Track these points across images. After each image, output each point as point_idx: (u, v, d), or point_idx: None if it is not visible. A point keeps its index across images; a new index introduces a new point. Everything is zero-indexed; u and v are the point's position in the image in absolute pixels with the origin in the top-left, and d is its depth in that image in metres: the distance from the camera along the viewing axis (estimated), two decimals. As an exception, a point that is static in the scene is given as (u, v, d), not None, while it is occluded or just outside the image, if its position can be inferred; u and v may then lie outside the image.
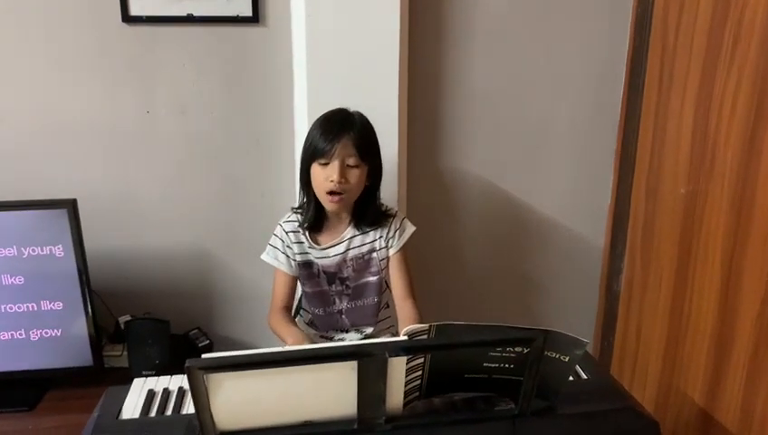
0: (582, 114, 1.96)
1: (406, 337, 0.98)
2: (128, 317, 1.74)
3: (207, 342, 1.81)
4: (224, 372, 0.93)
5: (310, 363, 0.94)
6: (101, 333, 1.74)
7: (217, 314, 1.93)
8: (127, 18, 1.65)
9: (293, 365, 0.94)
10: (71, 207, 1.50)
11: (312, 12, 1.63)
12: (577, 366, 1.24)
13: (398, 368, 0.98)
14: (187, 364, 0.91)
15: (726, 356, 1.53)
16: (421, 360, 1.02)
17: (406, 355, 0.96)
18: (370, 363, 0.95)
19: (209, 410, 0.96)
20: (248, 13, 1.70)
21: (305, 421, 1.03)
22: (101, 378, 1.61)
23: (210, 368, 0.92)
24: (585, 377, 1.23)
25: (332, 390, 0.99)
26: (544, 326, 0.99)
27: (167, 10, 1.66)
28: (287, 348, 1.11)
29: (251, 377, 0.95)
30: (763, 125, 1.39)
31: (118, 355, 1.75)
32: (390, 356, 0.95)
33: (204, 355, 0.92)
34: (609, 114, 1.97)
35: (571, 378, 1.20)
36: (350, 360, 0.94)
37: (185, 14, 1.67)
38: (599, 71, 1.93)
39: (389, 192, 1.72)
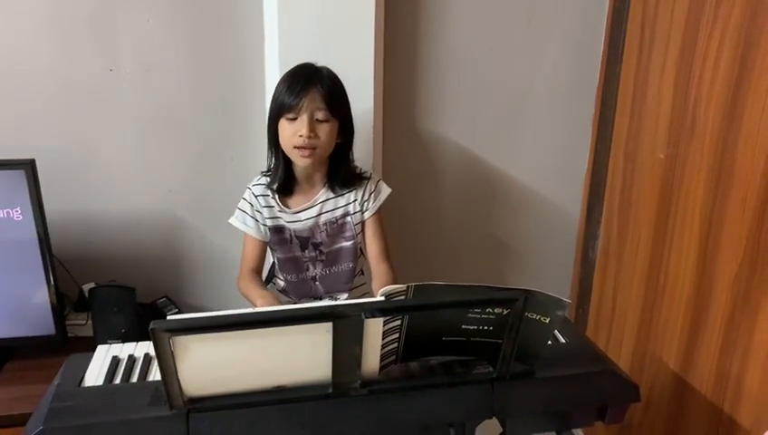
0: (561, 79, 1.92)
1: (383, 298, 0.94)
2: (92, 285, 1.68)
3: (176, 310, 1.76)
4: (191, 334, 0.88)
5: (282, 325, 0.90)
6: (65, 302, 1.68)
7: (186, 282, 1.87)
8: (87, -32, 1.56)
9: (265, 327, 0.89)
10: (29, 167, 1.42)
11: (284, -34, 1.57)
12: (555, 331, 1.22)
13: (374, 330, 0.94)
14: (151, 326, 0.86)
15: (702, 320, 1.53)
16: (398, 322, 0.99)
17: (383, 316, 0.92)
18: (346, 325, 0.91)
19: (176, 375, 0.91)
20: (217, -35, 1.62)
21: (277, 386, 0.99)
22: (64, 347, 1.54)
23: (177, 330, 0.87)
24: (563, 341, 1.21)
25: (306, 353, 0.95)
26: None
27: (129, -40, 1.58)
28: (258, 309, 1.06)
29: (220, 340, 0.90)
30: (745, 89, 1.37)
31: (82, 324, 1.69)
32: (366, 317, 0.91)
33: (169, 316, 0.87)
34: (588, 79, 1.94)
35: (549, 342, 1.18)
36: (325, 321, 0.90)
37: (149, -35, 1.59)
38: (578, 35, 1.89)
39: (365, 154, 1.68)
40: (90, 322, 1.66)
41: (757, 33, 1.33)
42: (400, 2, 1.75)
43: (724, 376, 1.47)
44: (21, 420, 1.41)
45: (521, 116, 1.94)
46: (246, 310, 0.94)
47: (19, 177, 1.42)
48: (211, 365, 0.93)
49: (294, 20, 1.61)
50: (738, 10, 1.38)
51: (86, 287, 1.71)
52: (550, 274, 2.12)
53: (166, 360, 0.89)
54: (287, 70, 1.44)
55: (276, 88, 1.41)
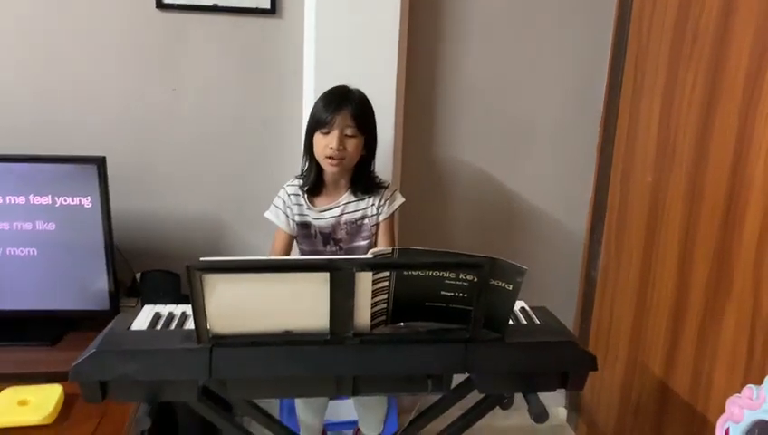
0: (568, 111, 2.14)
1: (372, 256, 1.15)
2: (143, 272, 1.95)
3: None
4: (218, 273, 1.11)
5: (290, 271, 1.12)
6: (119, 285, 1.93)
7: (224, 277, 2.11)
8: (160, 5, 1.88)
9: (277, 272, 1.12)
10: (101, 162, 1.70)
11: (322, 8, 1.85)
12: (532, 314, 1.39)
13: (364, 283, 1.14)
14: (186, 264, 1.09)
15: (680, 328, 1.67)
16: (386, 283, 1.19)
17: (371, 270, 1.13)
18: (340, 277, 1.12)
19: (204, 311, 1.14)
20: (267, 5, 1.92)
21: (286, 331, 1.20)
22: (117, 323, 1.79)
23: (206, 269, 1.10)
24: (538, 322, 1.38)
25: (309, 302, 1.16)
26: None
27: (195, -1, 1.90)
28: (272, 258, 1.27)
29: (241, 281, 1.12)
30: (713, 116, 1.56)
31: (132, 306, 1.93)
32: (357, 271, 1.12)
33: (201, 258, 1.10)
34: (593, 111, 2.15)
35: (525, 322, 1.36)
36: (323, 271, 1.11)
37: (211, 4, 1.90)
38: (583, 70, 2.12)
39: (385, 176, 1.89)
40: (139, 305, 1.91)
41: (722, 68, 1.52)
42: (421, 40, 2.01)
43: (698, 378, 1.60)
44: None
45: (530, 144, 2.15)
46: (263, 257, 1.16)
47: (91, 170, 1.70)
48: (233, 305, 1.15)
49: (329, 56, 1.88)
50: (709, 44, 1.57)
51: (138, 275, 1.98)
52: (557, 291, 2.27)
53: (197, 296, 1.12)
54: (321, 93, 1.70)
55: (314, 105, 1.66)
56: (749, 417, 1.21)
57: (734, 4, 1.48)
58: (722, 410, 1.51)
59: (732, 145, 1.47)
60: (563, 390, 1.30)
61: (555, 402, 2.41)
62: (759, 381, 1.18)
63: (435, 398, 1.44)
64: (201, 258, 1.10)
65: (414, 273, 1.18)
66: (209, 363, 1.17)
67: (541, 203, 2.20)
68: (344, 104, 1.61)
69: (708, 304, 1.56)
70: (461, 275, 1.18)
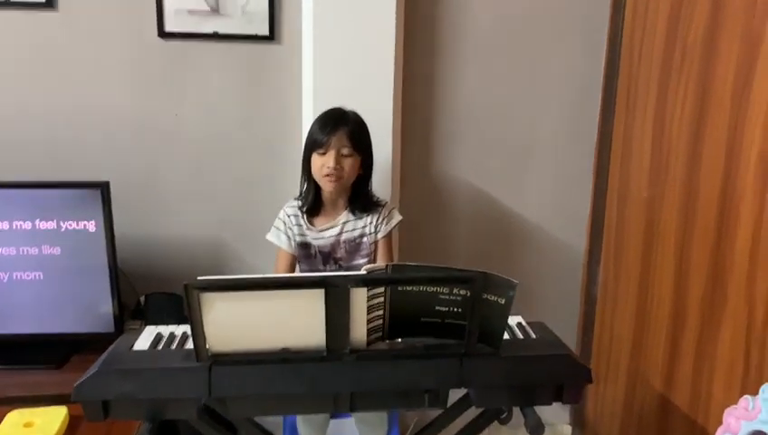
0: (563, 129, 2.17)
1: (365, 272, 1.18)
2: (147, 295, 1.97)
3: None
4: (216, 292, 1.13)
5: (285, 288, 1.14)
6: (124, 308, 1.96)
7: (227, 299, 2.14)
8: (162, 34, 1.94)
9: (274, 289, 1.14)
10: (104, 187, 1.74)
11: (319, 33, 1.90)
12: (529, 329, 1.41)
13: (359, 299, 1.16)
14: (184, 283, 1.12)
15: (679, 341, 1.68)
16: (381, 299, 1.21)
17: (365, 286, 1.15)
18: (335, 293, 1.14)
19: (202, 329, 1.16)
20: (265, 32, 1.97)
21: (283, 348, 1.22)
22: (121, 345, 1.82)
23: (203, 288, 1.12)
24: (534, 336, 1.39)
25: (305, 319, 1.18)
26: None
27: (196, 28, 1.94)
28: (268, 275, 1.30)
29: (238, 300, 1.15)
30: (703, 129, 1.58)
31: (136, 328, 1.96)
32: (351, 287, 1.14)
33: (199, 277, 1.13)
34: (588, 129, 2.17)
35: (521, 336, 1.37)
36: (317, 288, 1.14)
37: (211, 32, 1.95)
38: (578, 89, 2.15)
39: (384, 194, 1.93)
40: (142, 327, 1.93)
41: (710, 83, 1.55)
42: (418, 61, 2.05)
43: (698, 390, 1.61)
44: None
45: (527, 162, 2.19)
46: (260, 275, 1.19)
47: (95, 195, 1.74)
48: (230, 323, 1.17)
49: (327, 80, 1.92)
50: (697, 61, 1.60)
51: (142, 298, 2.01)
52: (559, 307, 2.28)
53: (195, 314, 1.14)
54: (320, 115, 1.74)
55: (311, 127, 1.70)
56: (746, 428, 1.22)
57: (720, 19, 1.52)
58: (721, 422, 1.52)
59: (722, 158, 1.50)
60: (567, 406, 1.31)
61: (560, 419, 2.40)
62: (755, 392, 1.19)
63: (434, 414, 1.45)
64: (198, 277, 1.13)
65: (408, 288, 1.20)
66: (208, 382, 1.19)
67: (539, 220, 2.22)
68: (340, 125, 1.65)
69: (705, 318, 1.57)
70: (454, 290, 1.20)
